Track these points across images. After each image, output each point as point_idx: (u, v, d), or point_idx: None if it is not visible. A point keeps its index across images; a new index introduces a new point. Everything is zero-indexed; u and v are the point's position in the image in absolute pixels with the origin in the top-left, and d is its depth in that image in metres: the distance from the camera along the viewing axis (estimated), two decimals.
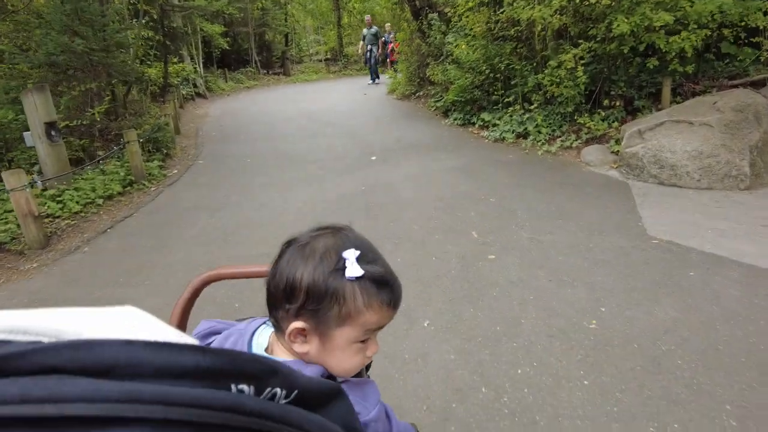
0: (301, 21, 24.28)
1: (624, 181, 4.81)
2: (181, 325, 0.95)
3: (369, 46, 14.41)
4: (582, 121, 6.08)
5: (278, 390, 0.37)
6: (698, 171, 4.54)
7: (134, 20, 11.14)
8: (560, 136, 6.22)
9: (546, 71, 6.12)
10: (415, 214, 4.28)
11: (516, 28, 6.55)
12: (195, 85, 14.01)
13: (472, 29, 7.58)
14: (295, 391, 0.38)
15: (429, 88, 10.80)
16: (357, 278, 0.65)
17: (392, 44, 14.25)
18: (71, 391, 0.27)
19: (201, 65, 16.02)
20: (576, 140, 5.96)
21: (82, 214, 4.83)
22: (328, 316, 0.66)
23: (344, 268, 0.66)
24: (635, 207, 4.17)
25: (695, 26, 5.13)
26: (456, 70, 8.02)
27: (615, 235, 3.63)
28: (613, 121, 5.97)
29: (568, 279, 3.07)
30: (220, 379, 0.33)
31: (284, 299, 0.67)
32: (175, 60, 13.13)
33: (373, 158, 6.33)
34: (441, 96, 9.59)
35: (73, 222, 4.67)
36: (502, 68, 7.00)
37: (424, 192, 4.87)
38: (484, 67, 7.25)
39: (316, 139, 7.77)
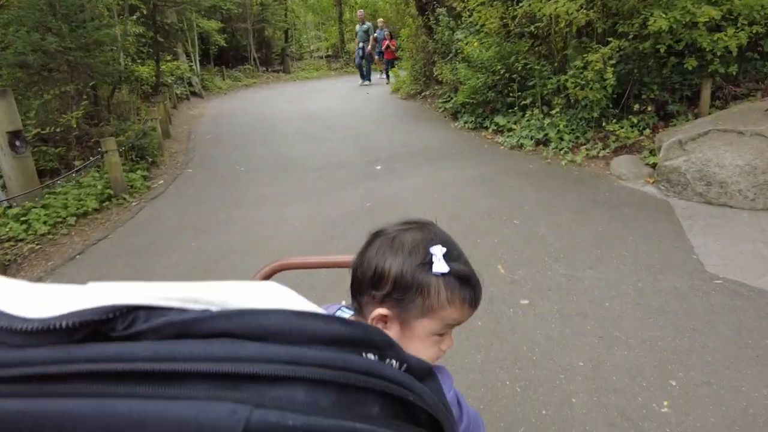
0: (301, 16, 23.65)
1: (664, 200, 4.23)
2: None
3: (360, 44, 13.43)
4: (609, 128, 5.49)
5: (394, 361, 0.41)
6: (752, 189, 3.95)
7: (121, 16, 10.57)
8: (585, 144, 5.63)
9: (570, 72, 5.53)
10: None
11: (536, 24, 5.94)
12: (190, 84, 13.44)
13: (484, 25, 6.99)
14: (405, 365, 0.42)
15: (436, 87, 10.21)
16: (443, 274, 0.70)
17: (387, 41, 13.41)
18: (243, 353, 0.33)
19: (197, 63, 15.45)
20: (603, 149, 5.38)
21: (50, 236, 4.27)
22: (411, 306, 0.71)
23: (431, 263, 0.70)
24: (683, 233, 3.59)
25: (744, 22, 4.53)
26: (466, 70, 7.43)
27: (667, 272, 3.06)
28: (644, 128, 5.38)
29: (621, 335, 2.50)
30: (356, 346, 0.38)
31: (371, 286, 0.72)
32: (169, 58, 12.55)
33: (378, 167, 5.76)
34: (449, 96, 9.00)
35: (38, 246, 4.12)
36: (519, 68, 6.41)
37: (436, 210, 4.30)
38: (499, 67, 6.66)
39: (316, 143, 7.19)
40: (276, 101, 11.94)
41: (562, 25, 5.48)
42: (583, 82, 5.35)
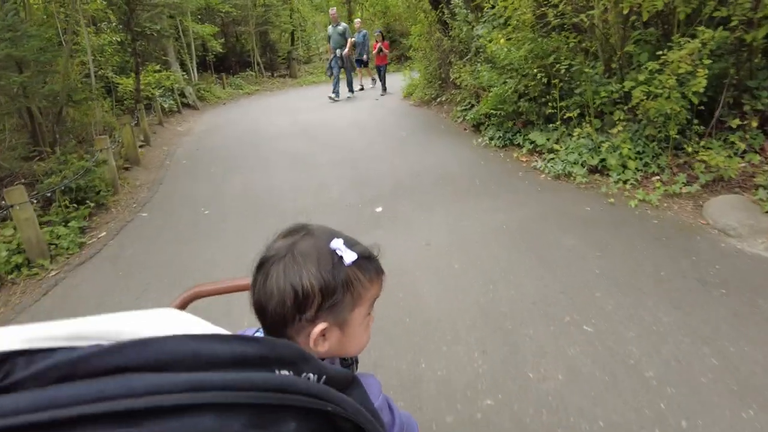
0: (308, 17, 22.35)
1: None
2: None
3: (334, 49, 10.84)
4: (692, 151, 3.98)
5: (311, 375, 0.42)
6: None
7: (94, 25, 9.40)
8: (657, 174, 4.14)
9: (638, 76, 4.03)
10: (449, 357, 2.30)
11: (587, 13, 4.44)
12: (183, 95, 12.26)
13: (512, 18, 5.52)
14: (324, 377, 0.44)
15: (453, 92, 8.75)
16: (354, 261, 0.70)
17: (379, 43, 11.38)
18: (140, 386, 0.32)
19: (195, 71, 14.29)
20: (687, 183, 3.88)
21: None
22: (343, 305, 0.70)
23: (341, 257, 0.70)
24: None
25: None
26: (491, 73, 5.97)
27: None
28: (745, 152, 3.86)
29: None
30: (265, 364, 0.39)
31: (296, 312, 0.68)
32: (158, 67, 11.38)
33: (379, 209, 4.36)
34: (470, 104, 7.54)
35: None
36: (562, 71, 4.93)
37: (460, 293, 2.89)
38: (534, 69, 5.18)
39: (305, 171, 5.82)
40: (274, 113, 10.65)
41: (626, 10, 3.97)
42: (659, 90, 3.85)
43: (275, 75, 18.74)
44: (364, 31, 11.73)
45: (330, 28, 11.06)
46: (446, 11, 8.76)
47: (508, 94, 5.50)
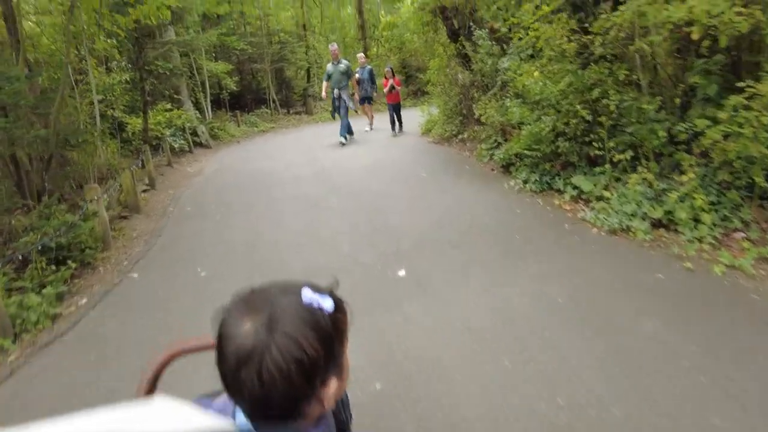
0: (324, 54, 22.37)
1: None
2: None
3: (336, 91, 9.71)
4: None
5: None
6: None
7: (104, 65, 9.16)
8: (742, 231, 3.39)
9: (720, 114, 3.34)
10: None
11: (646, 39, 3.81)
12: (195, 134, 11.95)
13: (543, 49, 4.93)
14: None
15: (476, 128, 8.17)
16: (330, 306, 0.67)
17: (390, 80, 10.33)
18: None
19: (209, 109, 14.08)
20: None
21: None
22: (337, 352, 0.68)
23: (320, 308, 0.66)
24: None
25: None
26: (521, 108, 5.36)
27: None
28: None
29: None
30: None
31: (306, 384, 0.62)
32: (169, 106, 11.11)
33: (401, 273, 3.68)
34: (496, 141, 6.93)
35: None
36: (611, 107, 4.28)
37: (518, 409, 2.16)
38: (576, 105, 4.55)
39: (316, 223, 5.19)
40: (288, 150, 10.19)
41: (696, 36, 3.32)
42: (743, 130, 3.15)
43: (291, 112, 18.53)
44: (369, 66, 11.05)
45: (330, 66, 9.85)
46: (467, 44, 8.29)
47: (544, 133, 4.86)
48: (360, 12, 21.14)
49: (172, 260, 4.70)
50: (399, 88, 11.23)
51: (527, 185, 5.26)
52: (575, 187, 4.63)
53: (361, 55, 11.42)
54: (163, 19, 7.39)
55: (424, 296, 3.29)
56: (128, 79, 9.60)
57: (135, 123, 9.75)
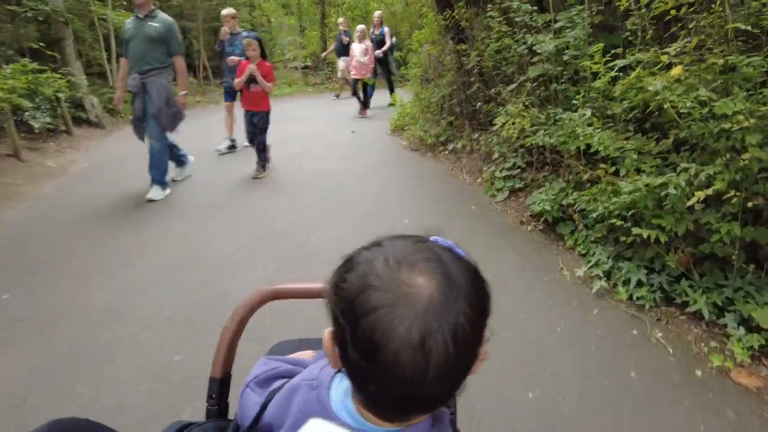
0: (274, 18, 18.94)
1: None
2: (230, 354, 0.87)
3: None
4: None
5: None
6: None
7: None
8: None
9: None
10: None
11: None
12: (81, 108, 8.66)
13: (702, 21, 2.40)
14: None
15: (476, 138, 5.61)
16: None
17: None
18: None
19: (113, 74, 10.64)
20: None
21: None
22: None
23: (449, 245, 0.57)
24: None
25: None
26: (635, 140, 2.82)
27: None
28: None
29: None
30: None
31: (479, 346, 0.52)
32: (34, 66, 7.72)
33: None
34: (515, 165, 4.42)
35: None
36: None
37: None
38: None
39: (207, 312, 2.48)
40: (204, 136, 7.27)
41: None
42: None
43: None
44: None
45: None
46: (470, 10, 5.64)
47: (677, 196, 2.31)
48: None
49: None
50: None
51: (622, 291, 2.73)
52: (751, 325, 2.16)
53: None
54: None
55: None
56: None
57: None
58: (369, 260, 0.50)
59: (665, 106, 2.30)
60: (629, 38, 3.39)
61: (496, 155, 4.72)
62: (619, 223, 2.62)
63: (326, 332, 0.54)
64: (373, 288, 0.47)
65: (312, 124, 8.33)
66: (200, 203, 4.57)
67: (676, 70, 2.27)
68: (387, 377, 0.47)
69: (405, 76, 8.24)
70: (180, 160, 5.27)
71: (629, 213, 2.62)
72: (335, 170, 5.50)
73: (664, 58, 2.40)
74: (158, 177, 4.67)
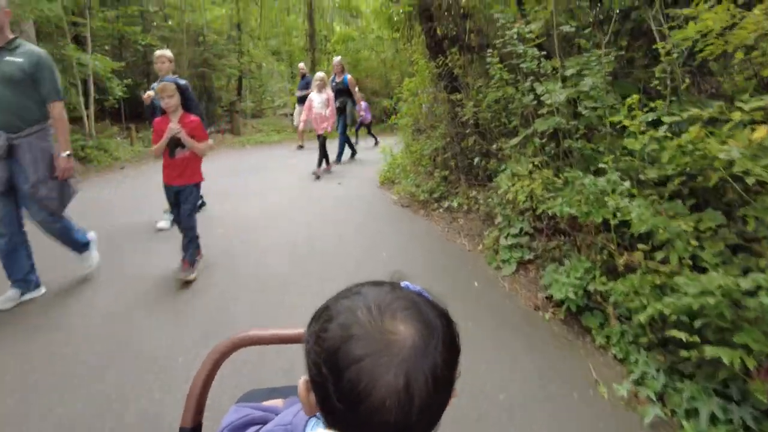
0: (266, 63, 18.79)
1: None
2: (201, 401, 0.83)
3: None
4: None
5: None
6: None
7: None
8: None
9: None
10: None
11: None
12: None
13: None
14: None
15: (474, 196, 4.99)
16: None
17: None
18: None
19: (91, 118, 10.08)
20: None
21: None
22: None
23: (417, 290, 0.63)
24: None
25: None
26: (646, 212, 2.18)
27: None
28: None
29: None
30: None
31: (452, 385, 0.56)
32: None
33: None
34: (521, 230, 3.77)
35: None
36: None
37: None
38: None
39: None
40: (135, 218, 6.50)
41: None
42: None
43: (214, 130, 14.74)
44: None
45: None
46: (464, 59, 5.17)
47: None
48: (310, 19, 17.87)
49: None
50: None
51: (688, 426, 1.99)
52: None
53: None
54: None
55: None
56: None
57: None
58: (350, 309, 0.52)
59: (749, 181, 1.65)
60: (657, 87, 2.84)
61: (499, 219, 4.06)
62: (680, 336, 1.91)
63: (302, 380, 0.57)
64: (356, 337, 0.49)
65: (301, 176, 7.70)
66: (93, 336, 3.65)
67: (761, 132, 1.64)
68: (372, 423, 0.48)
69: (395, 125, 7.69)
70: (79, 245, 3.54)
71: (693, 320, 1.93)
72: (333, 227, 4.83)
73: (736, 116, 1.78)
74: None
